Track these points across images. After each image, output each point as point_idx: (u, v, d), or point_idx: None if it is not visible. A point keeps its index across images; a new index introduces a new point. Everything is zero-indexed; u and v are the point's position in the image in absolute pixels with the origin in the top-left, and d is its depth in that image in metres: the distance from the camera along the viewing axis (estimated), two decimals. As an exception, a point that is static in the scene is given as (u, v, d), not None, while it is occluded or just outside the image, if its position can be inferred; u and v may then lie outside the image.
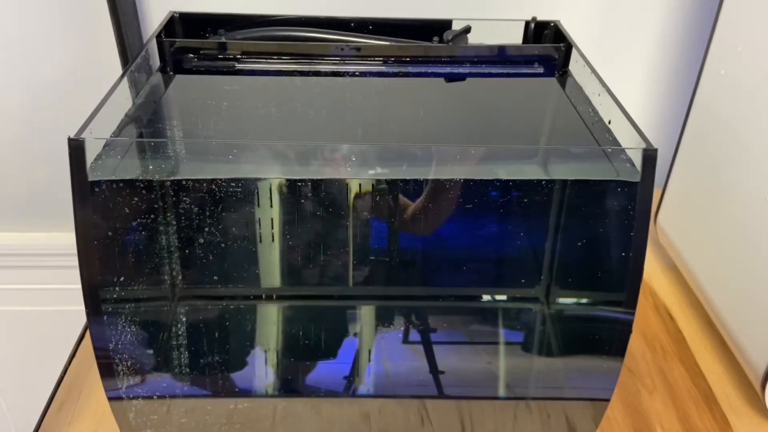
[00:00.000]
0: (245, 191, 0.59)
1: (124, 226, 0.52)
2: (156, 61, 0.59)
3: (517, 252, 0.66)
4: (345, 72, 0.59)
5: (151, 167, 0.47)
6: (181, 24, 0.64)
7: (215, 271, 0.63)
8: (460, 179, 0.58)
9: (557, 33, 0.64)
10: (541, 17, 0.65)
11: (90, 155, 0.43)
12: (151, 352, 0.57)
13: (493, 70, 0.61)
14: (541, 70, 0.61)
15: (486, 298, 0.68)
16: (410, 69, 0.60)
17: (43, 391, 0.61)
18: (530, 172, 0.51)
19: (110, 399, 0.51)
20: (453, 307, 0.68)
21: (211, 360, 0.60)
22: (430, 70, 0.61)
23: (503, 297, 0.68)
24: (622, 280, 0.48)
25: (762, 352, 0.58)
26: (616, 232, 0.51)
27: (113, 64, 0.79)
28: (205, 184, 0.56)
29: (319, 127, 0.55)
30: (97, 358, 0.48)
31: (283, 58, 0.59)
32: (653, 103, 0.90)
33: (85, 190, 0.43)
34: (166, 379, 0.58)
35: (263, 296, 0.66)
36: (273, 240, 0.63)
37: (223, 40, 0.61)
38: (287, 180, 0.60)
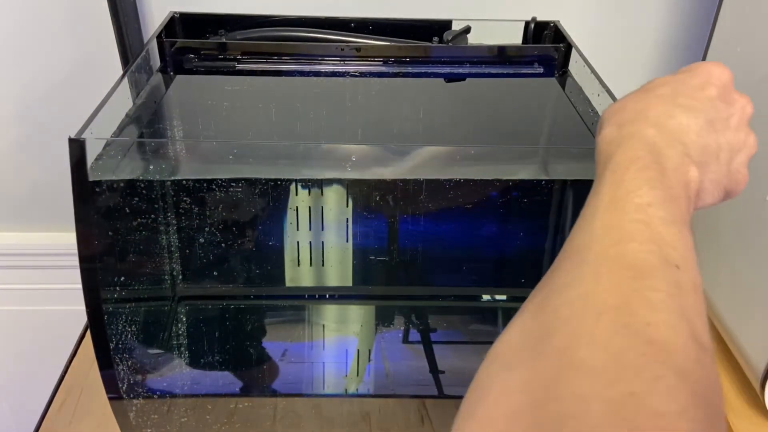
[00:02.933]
0: (245, 191, 0.59)
1: (125, 225, 0.52)
2: (156, 62, 0.59)
3: (518, 252, 0.66)
4: (345, 72, 0.59)
5: (151, 167, 0.47)
6: (181, 24, 0.64)
7: (215, 270, 0.63)
8: (461, 179, 0.58)
9: (557, 33, 0.64)
10: (540, 17, 0.65)
11: (90, 155, 0.43)
12: (151, 351, 0.57)
13: (493, 71, 0.61)
14: (540, 71, 0.62)
15: (486, 298, 0.68)
16: (410, 69, 0.60)
17: (43, 391, 0.61)
18: (530, 172, 0.51)
19: (110, 399, 0.51)
20: (453, 307, 0.68)
21: (211, 359, 0.60)
22: (430, 71, 0.61)
23: (503, 297, 0.68)
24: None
25: (762, 352, 0.58)
26: (615, 232, 0.51)
27: (113, 65, 0.79)
28: (205, 184, 0.56)
29: (320, 127, 0.55)
30: (98, 357, 0.48)
31: (284, 58, 0.59)
32: (653, 104, 0.90)
33: (86, 190, 0.43)
34: (167, 379, 0.58)
35: (263, 296, 0.66)
36: (273, 240, 0.63)
37: (224, 40, 0.61)
38: (287, 180, 0.60)
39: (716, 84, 0.37)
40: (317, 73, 0.59)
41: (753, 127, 0.38)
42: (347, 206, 0.62)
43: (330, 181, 0.60)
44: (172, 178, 0.53)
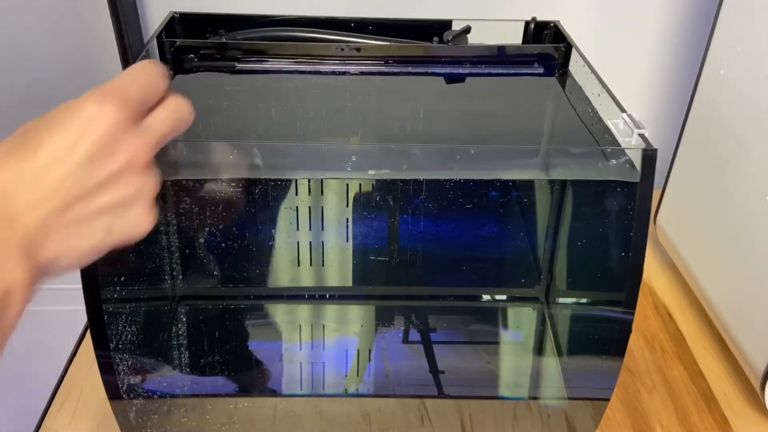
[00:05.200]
0: (245, 191, 0.59)
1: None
2: (156, 62, 0.59)
3: (517, 252, 0.66)
4: (345, 72, 0.59)
5: (151, 167, 0.47)
6: (181, 24, 0.64)
7: (215, 270, 0.63)
8: (461, 179, 0.58)
9: (557, 33, 0.64)
10: (540, 17, 0.65)
11: (90, 155, 0.43)
12: (151, 351, 0.57)
13: (493, 71, 0.61)
14: (540, 70, 0.62)
15: (486, 297, 0.68)
16: (410, 69, 0.60)
17: (43, 391, 0.61)
18: (530, 172, 0.51)
19: (110, 399, 0.51)
20: (453, 307, 0.68)
21: (211, 359, 0.60)
22: (430, 71, 0.61)
23: (503, 297, 0.68)
24: (621, 280, 0.48)
25: (762, 352, 0.58)
26: (615, 232, 0.51)
27: (113, 64, 0.79)
28: (205, 184, 0.56)
29: (320, 127, 0.55)
30: (98, 358, 0.48)
31: (284, 58, 0.59)
32: (653, 104, 0.90)
33: (86, 190, 0.43)
34: (167, 379, 0.58)
35: (263, 296, 0.66)
36: (273, 240, 0.63)
37: (224, 40, 0.61)
38: (287, 180, 0.60)
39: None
40: (317, 73, 0.59)
41: (753, 127, 0.38)
42: (347, 206, 0.62)
43: (330, 181, 0.60)
44: (172, 178, 0.53)
